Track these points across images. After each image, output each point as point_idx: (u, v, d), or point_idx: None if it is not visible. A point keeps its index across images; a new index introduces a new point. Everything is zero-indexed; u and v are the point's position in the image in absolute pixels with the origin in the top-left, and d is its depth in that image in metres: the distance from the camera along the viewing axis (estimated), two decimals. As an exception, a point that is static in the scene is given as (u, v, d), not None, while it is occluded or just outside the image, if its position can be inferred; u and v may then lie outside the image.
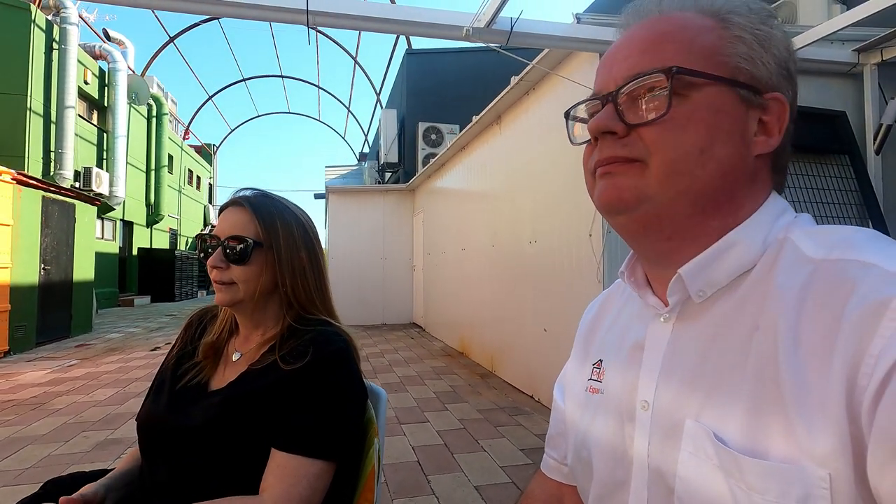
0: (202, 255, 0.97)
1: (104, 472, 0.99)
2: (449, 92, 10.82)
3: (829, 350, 0.36)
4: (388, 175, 12.59)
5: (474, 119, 5.57)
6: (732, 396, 0.41)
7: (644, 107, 0.46)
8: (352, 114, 21.99)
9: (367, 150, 21.43)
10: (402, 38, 13.49)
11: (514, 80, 4.36)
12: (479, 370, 5.33)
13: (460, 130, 6.23)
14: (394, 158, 11.57)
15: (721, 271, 0.46)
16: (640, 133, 0.46)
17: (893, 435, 0.32)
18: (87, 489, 0.86)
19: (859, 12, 2.69)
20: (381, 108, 15.43)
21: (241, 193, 0.98)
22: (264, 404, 0.83)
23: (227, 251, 0.92)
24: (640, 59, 0.46)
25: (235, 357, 0.95)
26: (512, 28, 2.77)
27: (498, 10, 2.64)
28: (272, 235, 0.94)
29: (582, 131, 0.54)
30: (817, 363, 0.37)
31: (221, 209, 0.99)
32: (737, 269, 0.45)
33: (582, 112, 0.55)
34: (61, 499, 0.79)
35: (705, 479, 0.41)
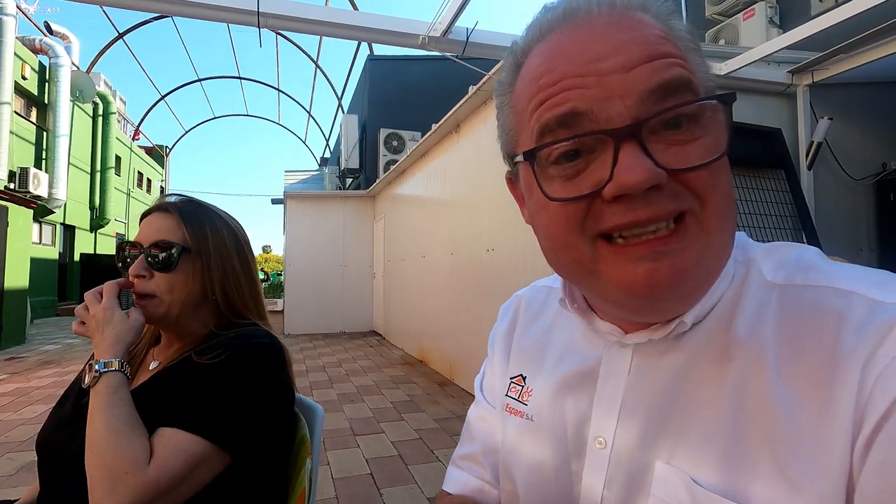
0: (121, 265, 0.90)
1: (9, 502, 0.90)
2: (411, 99, 10.82)
3: (827, 385, 0.33)
4: (349, 181, 12.43)
5: (433, 127, 5.58)
6: (708, 434, 0.37)
7: (681, 141, 0.35)
8: (313, 118, 21.58)
9: (328, 154, 21.11)
10: (364, 43, 13.40)
11: (471, 89, 4.40)
12: (437, 378, 5.30)
13: (422, 138, 6.23)
14: (355, 164, 11.43)
15: (704, 306, 0.41)
16: (682, 179, 0.35)
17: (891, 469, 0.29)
18: None
19: (792, 36, 2.87)
20: (343, 112, 15.27)
21: (167, 199, 0.94)
22: (173, 402, 0.78)
23: (150, 258, 0.86)
24: (660, 72, 0.35)
25: (153, 366, 0.90)
26: (468, 38, 2.79)
27: (454, 20, 2.65)
28: (201, 241, 0.90)
29: (566, 184, 0.37)
30: (813, 401, 0.33)
31: (144, 216, 0.93)
32: (715, 301, 0.41)
33: (555, 155, 0.37)
34: None
35: None
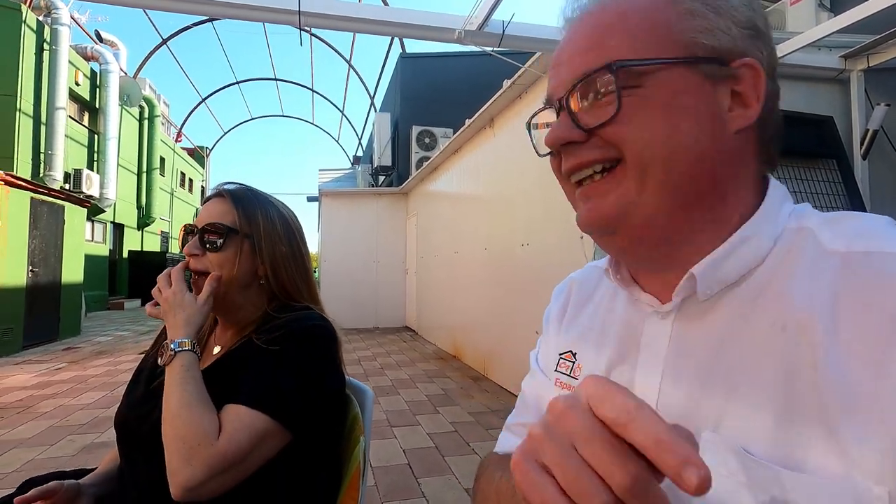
0: (183, 245, 0.97)
1: (86, 471, 0.97)
2: (443, 96, 10.85)
3: (885, 348, 0.33)
4: (381, 178, 12.60)
5: (467, 122, 5.59)
6: (758, 403, 0.37)
7: (599, 107, 0.43)
8: (345, 117, 21.95)
9: (360, 153, 21.41)
10: (396, 42, 13.52)
11: (506, 83, 4.38)
12: (471, 373, 5.32)
13: (454, 134, 6.25)
14: (387, 162, 11.57)
15: (732, 268, 0.42)
16: (601, 135, 0.43)
17: None
18: (55, 484, 0.85)
19: (845, 19, 2.74)
20: (375, 111, 15.45)
21: (224, 186, 1.00)
22: (237, 383, 0.82)
23: (203, 239, 0.93)
24: (584, 58, 0.44)
25: (216, 350, 0.95)
26: (504, 31, 2.79)
27: (490, 13, 2.65)
28: (252, 225, 0.95)
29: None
30: (869, 367, 0.33)
31: (204, 201, 1.00)
32: (749, 265, 0.42)
33: (546, 118, 0.51)
34: (31, 491, 0.78)
35: (730, 498, 0.37)
